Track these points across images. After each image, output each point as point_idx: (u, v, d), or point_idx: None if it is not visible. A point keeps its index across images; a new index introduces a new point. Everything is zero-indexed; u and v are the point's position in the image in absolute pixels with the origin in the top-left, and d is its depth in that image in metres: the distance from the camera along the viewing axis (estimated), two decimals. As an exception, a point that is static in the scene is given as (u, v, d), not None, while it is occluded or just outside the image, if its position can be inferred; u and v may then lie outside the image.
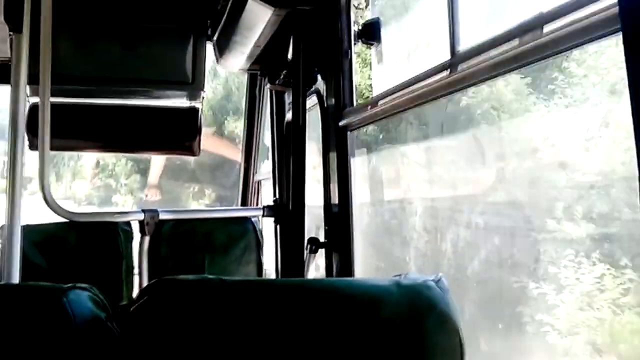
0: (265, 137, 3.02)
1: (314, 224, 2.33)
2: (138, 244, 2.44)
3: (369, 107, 1.81)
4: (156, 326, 0.98)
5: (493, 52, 1.26)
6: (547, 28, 1.11)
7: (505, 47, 1.23)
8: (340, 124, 2.02)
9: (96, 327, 0.98)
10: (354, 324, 1.02)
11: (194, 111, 2.69)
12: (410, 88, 1.59)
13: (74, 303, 0.99)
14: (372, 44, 2.06)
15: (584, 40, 1.07)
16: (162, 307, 0.99)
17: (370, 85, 2.34)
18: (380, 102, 1.74)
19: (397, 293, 1.08)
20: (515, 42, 1.20)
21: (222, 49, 2.55)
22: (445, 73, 1.42)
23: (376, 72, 2.12)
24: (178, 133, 2.70)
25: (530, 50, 1.17)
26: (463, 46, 1.38)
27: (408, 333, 1.04)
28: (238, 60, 2.54)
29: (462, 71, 1.35)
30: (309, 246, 2.14)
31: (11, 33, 2.06)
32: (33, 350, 0.94)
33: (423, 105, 1.59)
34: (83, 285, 1.02)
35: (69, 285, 1.02)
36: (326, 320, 1.01)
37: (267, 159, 2.95)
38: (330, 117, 2.09)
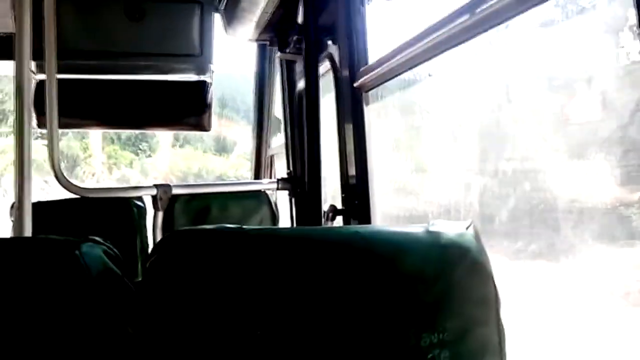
0: (276, 110, 2.96)
1: (326, 194, 2.27)
2: (152, 220, 2.40)
3: (385, 63, 1.74)
4: (173, 279, 0.93)
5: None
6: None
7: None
8: (355, 85, 1.96)
9: (111, 281, 0.93)
10: (381, 273, 0.96)
11: (203, 85, 2.64)
12: (428, 38, 1.52)
13: (88, 256, 0.95)
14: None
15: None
16: (178, 259, 0.94)
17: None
18: (396, 56, 1.67)
19: (426, 240, 1.03)
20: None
21: (230, 19, 2.50)
22: (465, 17, 1.35)
23: (392, 29, 2.04)
24: (187, 108, 2.65)
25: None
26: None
27: (439, 282, 0.99)
28: (247, 29, 2.49)
29: (485, 11, 1.28)
30: (326, 214, 2.09)
31: (14, 6, 2.01)
32: (46, 304, 0.89)
33: (441, 54, 1.52)
34: (97, 238, 0.98)
35: (83, 238, 0.97)
36: (351, 268, 0.96)
37: (279, 133, 2.90)
38: (343, 80, 2.03)
